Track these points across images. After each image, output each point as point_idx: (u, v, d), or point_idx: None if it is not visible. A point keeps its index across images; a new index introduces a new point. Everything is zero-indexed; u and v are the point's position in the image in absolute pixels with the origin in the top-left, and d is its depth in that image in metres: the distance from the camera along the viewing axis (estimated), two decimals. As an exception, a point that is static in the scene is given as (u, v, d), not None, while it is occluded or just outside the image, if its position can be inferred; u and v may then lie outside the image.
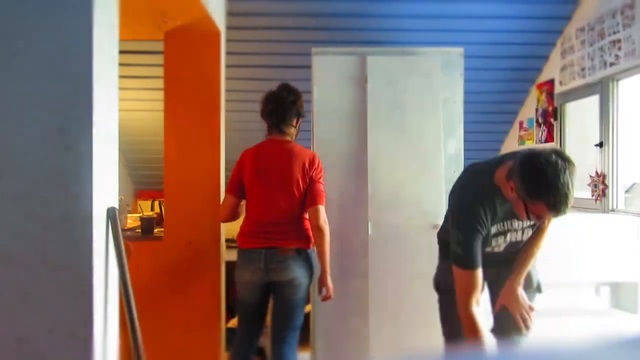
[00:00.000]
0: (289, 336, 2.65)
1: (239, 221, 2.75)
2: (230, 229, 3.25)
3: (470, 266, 1.95)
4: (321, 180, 2.63)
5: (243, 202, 2.73)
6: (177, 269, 3.11)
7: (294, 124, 2.70)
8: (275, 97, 2.67)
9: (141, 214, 4.14)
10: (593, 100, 3.54)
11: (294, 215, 2.60)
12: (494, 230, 2.03)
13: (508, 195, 1.89)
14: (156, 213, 4.20)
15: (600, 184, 3.36)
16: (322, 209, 2.57)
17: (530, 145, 4.36)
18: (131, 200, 5.24)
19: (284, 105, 2.64)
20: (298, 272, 2.57)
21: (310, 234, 2.62)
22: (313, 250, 2.66)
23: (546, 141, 4.11)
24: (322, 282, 2.64)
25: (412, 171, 3.01)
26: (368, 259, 2.96)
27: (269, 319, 2.78)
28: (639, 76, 3.18)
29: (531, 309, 2.10)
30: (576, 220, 2.93)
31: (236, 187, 2.68)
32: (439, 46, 3.25)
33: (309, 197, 2.58)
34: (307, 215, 2.64)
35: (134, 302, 1.74)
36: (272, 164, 2.61)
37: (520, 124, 4.51)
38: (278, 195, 2.58)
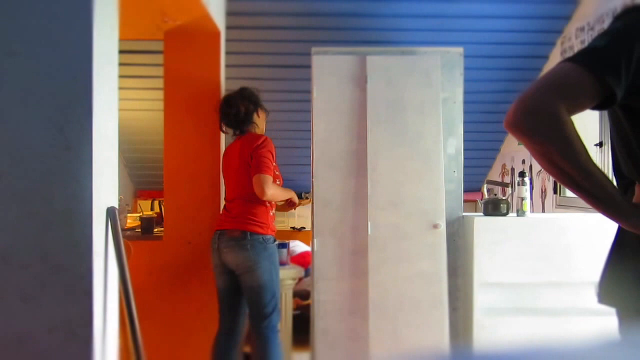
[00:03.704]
0: (262, 327, 2.65)
1: None
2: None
3: (593, 63, 1.05)
4: (266, 155, 2.65)
5: None
6: (177, 269, 3.11)
7: (255, 123, 2.86)
8: (220, 111, 2.89)
9: (141, 214, 4.14)
10: (593, 100, 3.53)
11: (242, 199, 2.72)
12: None
13: None
14: (156, 213, 4.20)
15: (600, 184, 3.35)
16: (263, 177, 2.59)
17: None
18: (131, 200, 5.24)
19: (227, 116, 2.86)
20: (242, 256, 2.63)
21: (260, 219, 2.68)
22: (265, 237, 2.67)
23: (546, 141, 4.11)
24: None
25: (412, 171, 3.01)
26: (368, 259, 2.96)
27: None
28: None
29: None
30: (576, 220, 2.94)
31: None
32: (439, 46, 3.24)
33: (252, 169, 2.65)
34: (259, 199, 2.69)
35: (134, 302, 1.74)
36: (231, 155, 2.83)
37: (520, 124, 4.50)
38: (231, 180, 2.80)
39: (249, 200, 2.70)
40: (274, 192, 2.67)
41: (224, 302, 2.79)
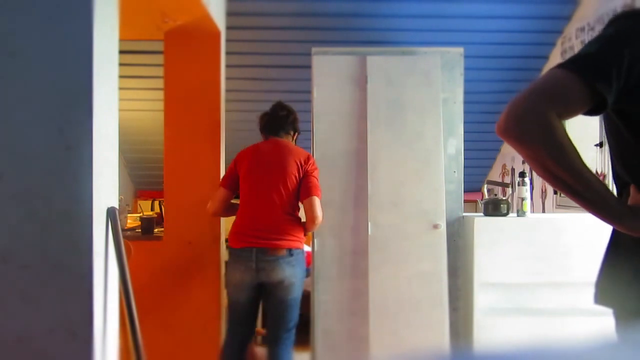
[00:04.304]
0: (283, 337, 2.64)
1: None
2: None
3: (583, 69, 1.04)
4: (316, 175, 2.68)
5: (236, 202, 2.76)
6: (177, 269, 3.11)
7: (291, 134, 2.82)
8: (269, 113, 2.82)
9: (141, 214, 4.14)
10: (593, 100, 3.53)
11: (287, 212, 2.62)
12: None
13: None
14: (156, 213, 4.20)
15: (600, 184, 3.35)
16: (317, 200, 2.61)
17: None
18: (131, 200, 5.24)
19: (277, 119, 2.78)
20: (288, 272, 2.57)
21: (302, 234, 2.66)
22: (303, 251, 2.68)
23: (546, 141, 4.11)
24: None
25: (412, 171, 3.01)
26: (368, 259, 2.96)
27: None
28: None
29: None
30: (576, 220, 2.94)
31: (230, 181, 2.73)
32: (439, 46, 3.24)
33: (304, 189, 2.63)
34: (299, 214, 2.68)
35: (134, 302, 1.74)
36: (269, 157, 2.68)
37: (520, 124, 4.50)
38: (272, 190, 2.62)
39: (292, 215, 2.63)
40: (321, 219, 2.63)
41: (242, 316, 2.70)
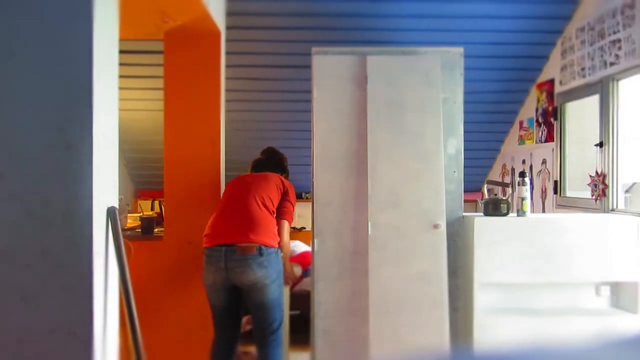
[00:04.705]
0: (269, 338, 2.65)
1: None
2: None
3: None
4: (292, 202, 2.91)
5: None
6: (177, 269, 3.11)
7: (281, 174, 3.07)
8: (258, 158, 3.16)
9: (141, 214, 4.14)
10: (593, 100, 3.54)
11: (262, 212, 2.71)
12: None
13: None
14: (156, 213, 4.20)
15: (600, 184, 3.36)
16: (287, 225, 2.82)
17: (530, 145, 4.37)
18: (131, 200, 5.24)
19: (263, 161, 3.11)
20: (260, 274, 2.56)
21: (277, 234, 2.76)
22: (277, 251, 2.70)
23: (546, 141, 4.11)
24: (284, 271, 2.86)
25: (412, 171, 3.01)
26: (368, 258, 2.96)
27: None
28: (639, 76, 3.18)
29: None
30: (576, 220, 2.94)
31: None
32: (439, 46, 3.24)
33: (279, 211, 2.83)
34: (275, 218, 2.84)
35: (134, 302, 1.74)
36: (250, 177, 2.93)
37: (520, 123, 4.51)
38: (250, 196, 2.76)
39: (268, 216, 2.76)
40: (288, 240, 2.84)
41: (223, 319, 2.72)
